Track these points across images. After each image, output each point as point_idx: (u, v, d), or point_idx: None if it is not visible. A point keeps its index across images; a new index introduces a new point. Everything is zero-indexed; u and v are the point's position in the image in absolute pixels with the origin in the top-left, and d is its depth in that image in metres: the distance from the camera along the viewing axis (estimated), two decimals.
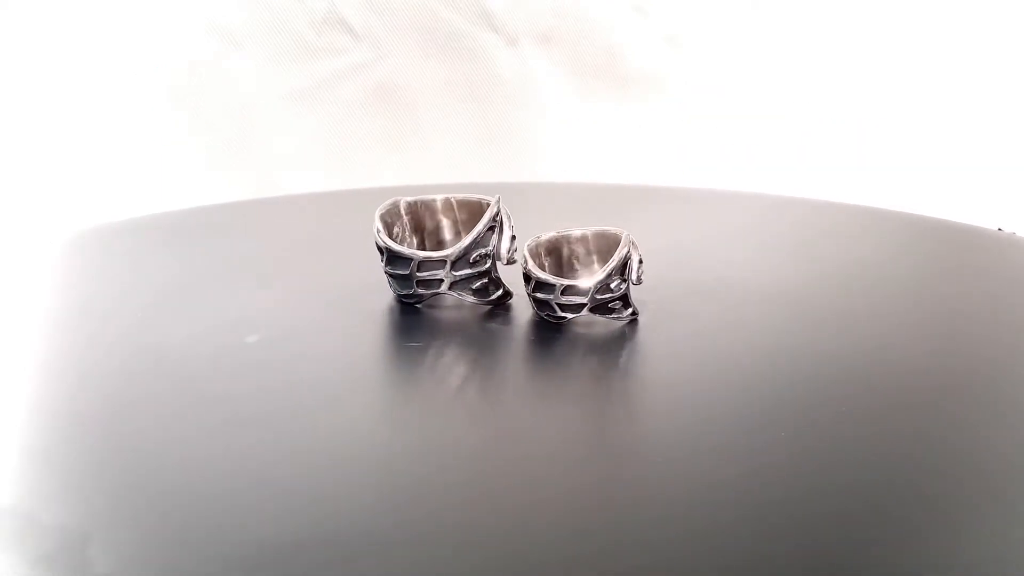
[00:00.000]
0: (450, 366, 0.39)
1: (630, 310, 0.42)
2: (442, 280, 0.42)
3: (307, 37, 1.00)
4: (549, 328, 0.42)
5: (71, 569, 0.26)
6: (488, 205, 0.42)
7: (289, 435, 0.33)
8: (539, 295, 0.41)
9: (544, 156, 1.06)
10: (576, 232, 0.44)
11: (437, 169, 1.04)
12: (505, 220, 0.42)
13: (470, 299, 0.43)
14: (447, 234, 0.45)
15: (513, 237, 0.42)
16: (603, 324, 0.42)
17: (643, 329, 0.42)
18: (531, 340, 0.41)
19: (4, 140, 0.96)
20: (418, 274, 0.42)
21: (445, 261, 0.41)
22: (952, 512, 0.29)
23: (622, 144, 1.07)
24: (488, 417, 0.36)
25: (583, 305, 0.41)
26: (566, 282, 0.41)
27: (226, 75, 0.99)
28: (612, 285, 0.41)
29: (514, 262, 0.42)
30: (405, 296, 0.43)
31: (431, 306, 0.44)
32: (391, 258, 0.42)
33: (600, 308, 0.41)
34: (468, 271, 0.41)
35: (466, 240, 0.41)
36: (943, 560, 0.27)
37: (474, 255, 0.41)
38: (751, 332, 0.42)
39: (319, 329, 0.42)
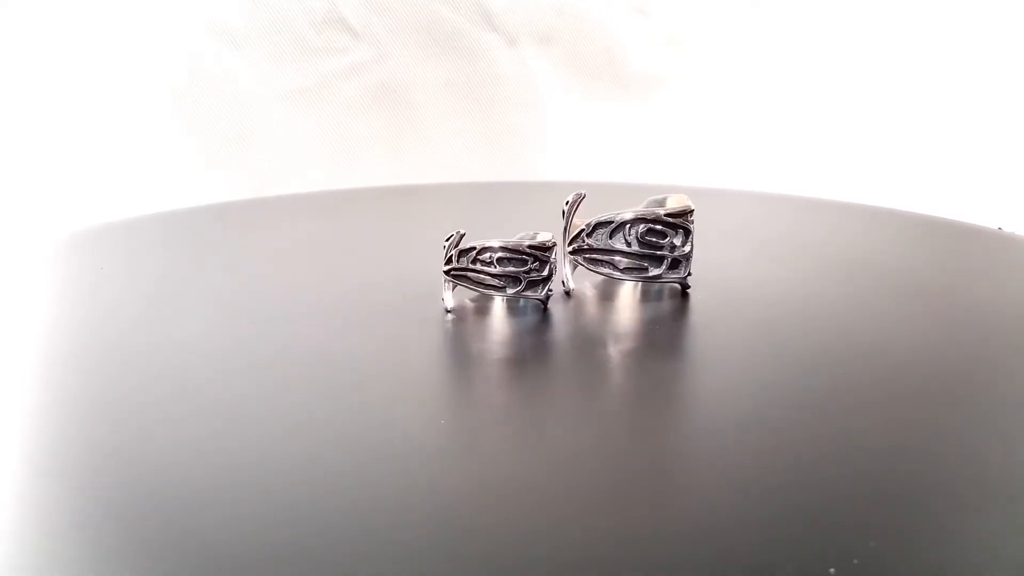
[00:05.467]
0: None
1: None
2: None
3: (307, 37, 1.00)
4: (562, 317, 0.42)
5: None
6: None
7: (291, 434, 0.33)
8: None
9: (544, 156, 1.06)
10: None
11: (437, 168, 1.04)
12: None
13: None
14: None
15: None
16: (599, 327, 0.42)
17: (638, 325, 0.42)
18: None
19: (4, 140, 0.96)
20: None
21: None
22: (949, 511, 0.29)
23: (622, 144, 1.07)
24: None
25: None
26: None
27: (226, 75, 0.99)
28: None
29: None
30: None
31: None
32: None
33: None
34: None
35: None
36: (942, 557, 0.27)
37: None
38: (748, 331, 0.42)
39: (319, 328, 0.42)
